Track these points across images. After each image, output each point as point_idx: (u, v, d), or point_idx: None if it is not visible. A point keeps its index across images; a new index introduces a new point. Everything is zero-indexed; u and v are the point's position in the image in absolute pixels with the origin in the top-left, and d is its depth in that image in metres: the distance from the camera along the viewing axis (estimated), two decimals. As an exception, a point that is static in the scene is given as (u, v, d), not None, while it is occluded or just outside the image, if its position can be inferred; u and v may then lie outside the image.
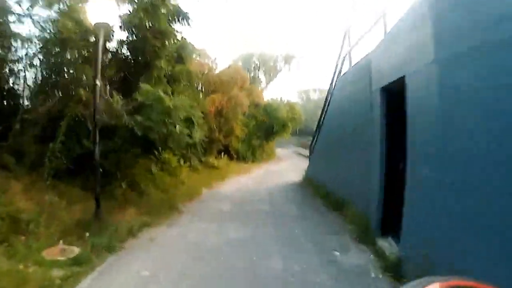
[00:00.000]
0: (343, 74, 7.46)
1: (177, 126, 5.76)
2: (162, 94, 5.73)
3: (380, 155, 4.61)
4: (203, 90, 13.45)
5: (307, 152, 24.77)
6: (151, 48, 7.05)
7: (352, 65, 6.75)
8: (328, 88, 9.15)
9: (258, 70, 24.32)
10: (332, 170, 7.50)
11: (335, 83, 8.03)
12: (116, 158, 6.16)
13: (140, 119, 5.49)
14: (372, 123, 4.96)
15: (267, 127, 20.53)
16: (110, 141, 6.08)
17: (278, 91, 55.68)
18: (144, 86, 5.95)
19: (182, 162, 10.55)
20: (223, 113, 13.16)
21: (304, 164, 17.46)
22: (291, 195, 8.62)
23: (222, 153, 15.34)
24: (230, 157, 16.80)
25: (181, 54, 8.76)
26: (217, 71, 14.09)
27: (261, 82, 25.03)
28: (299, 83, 64.16)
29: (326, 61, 59.79)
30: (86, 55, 6.50)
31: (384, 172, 4.57)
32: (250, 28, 50.99)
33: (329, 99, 8.69)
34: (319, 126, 9.92)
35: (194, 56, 12.21)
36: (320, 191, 7.89)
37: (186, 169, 10.77)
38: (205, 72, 12.80)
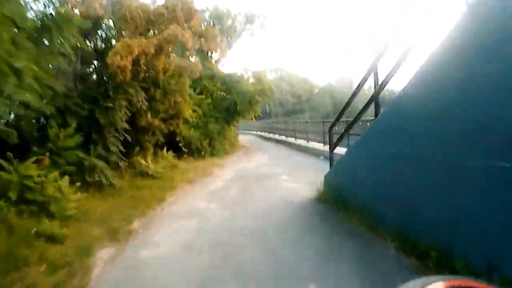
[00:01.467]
0: None
1: None
2: None
3: None
4: (115, 33, 7.32)
5: (282, 138, 19.52)
6: None
7: None
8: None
9: (211, 32, 18.12)
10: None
11: None
12: None
13: None
14: None
15: (228, 105, 14.91)
16: None
17: (237, 67, 48.90)
18: None
19: (67, 179, 4.77)
20: (159, 80, 7.32)
21: (292, 157, 12.03)
22: (345, 279, 3.22)
23: (165, 148, 9.52)
24: (179, 153, 10.98)
25: None
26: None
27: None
28: (259, 61, 58.20)
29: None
30: None
31: None
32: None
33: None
34: (373, 100, 4.62)
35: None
36: (438, 264, 2.68)
37: (78, 194, 4.91)
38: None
